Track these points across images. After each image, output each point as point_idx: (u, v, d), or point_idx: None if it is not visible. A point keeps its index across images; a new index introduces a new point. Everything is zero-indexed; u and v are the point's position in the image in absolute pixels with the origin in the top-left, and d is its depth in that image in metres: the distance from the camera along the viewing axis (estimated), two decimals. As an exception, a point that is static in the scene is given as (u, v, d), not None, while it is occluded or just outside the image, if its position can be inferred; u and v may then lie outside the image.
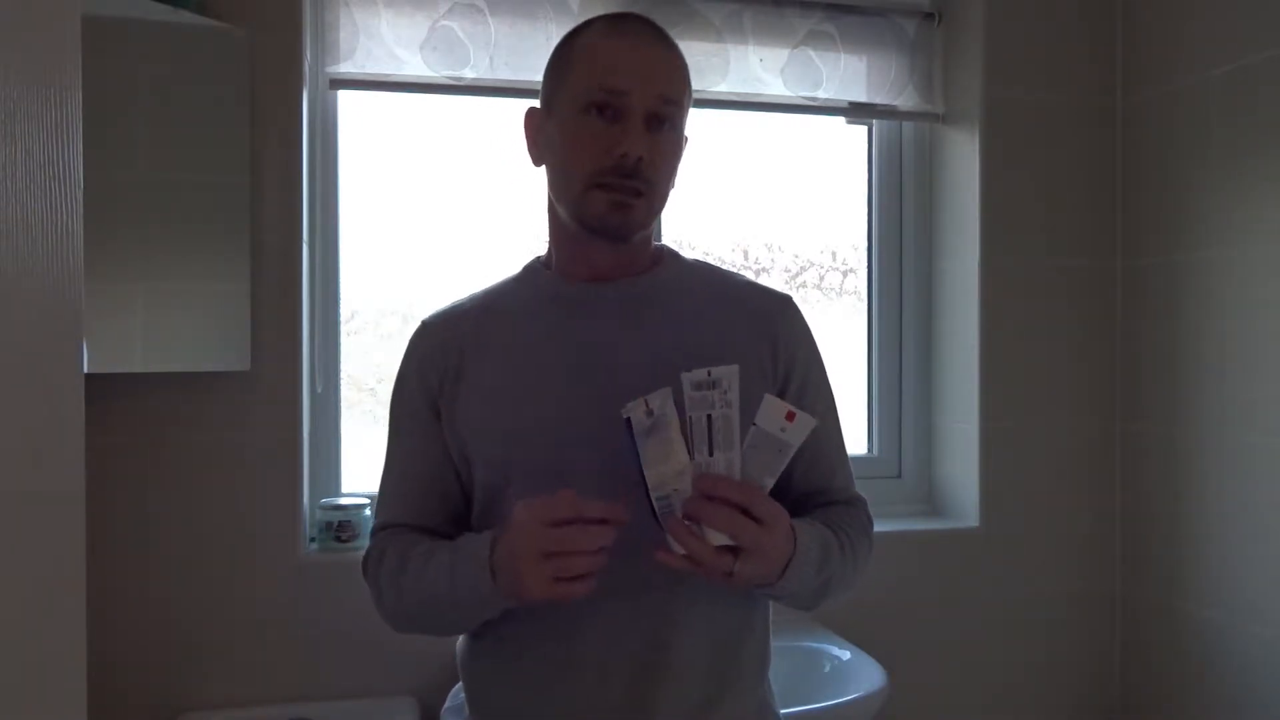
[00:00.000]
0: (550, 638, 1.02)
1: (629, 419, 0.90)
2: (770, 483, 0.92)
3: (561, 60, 1.05)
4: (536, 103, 1.09)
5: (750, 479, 0.91)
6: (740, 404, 0.90)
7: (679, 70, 1.04)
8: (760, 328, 1.07)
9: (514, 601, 0.94)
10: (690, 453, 0.91)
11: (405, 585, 1.01)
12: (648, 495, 0.91)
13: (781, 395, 1.06)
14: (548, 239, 1.12)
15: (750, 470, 0.91)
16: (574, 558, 0.88)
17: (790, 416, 0.90)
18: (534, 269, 1.13)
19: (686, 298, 1.08)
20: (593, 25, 1.04)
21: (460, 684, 1.15)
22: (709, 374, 0.90)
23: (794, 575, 0.95)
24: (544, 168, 1.08)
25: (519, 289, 1.12)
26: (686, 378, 0.90)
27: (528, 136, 1.09)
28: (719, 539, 0.89)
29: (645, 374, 0.96)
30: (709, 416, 0.90)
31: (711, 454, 0.90)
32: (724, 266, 1.18)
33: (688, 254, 1.16)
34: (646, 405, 0.90)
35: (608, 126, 0.99)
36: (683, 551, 0.90)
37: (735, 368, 0.90)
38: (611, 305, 1.06)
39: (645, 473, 0.91)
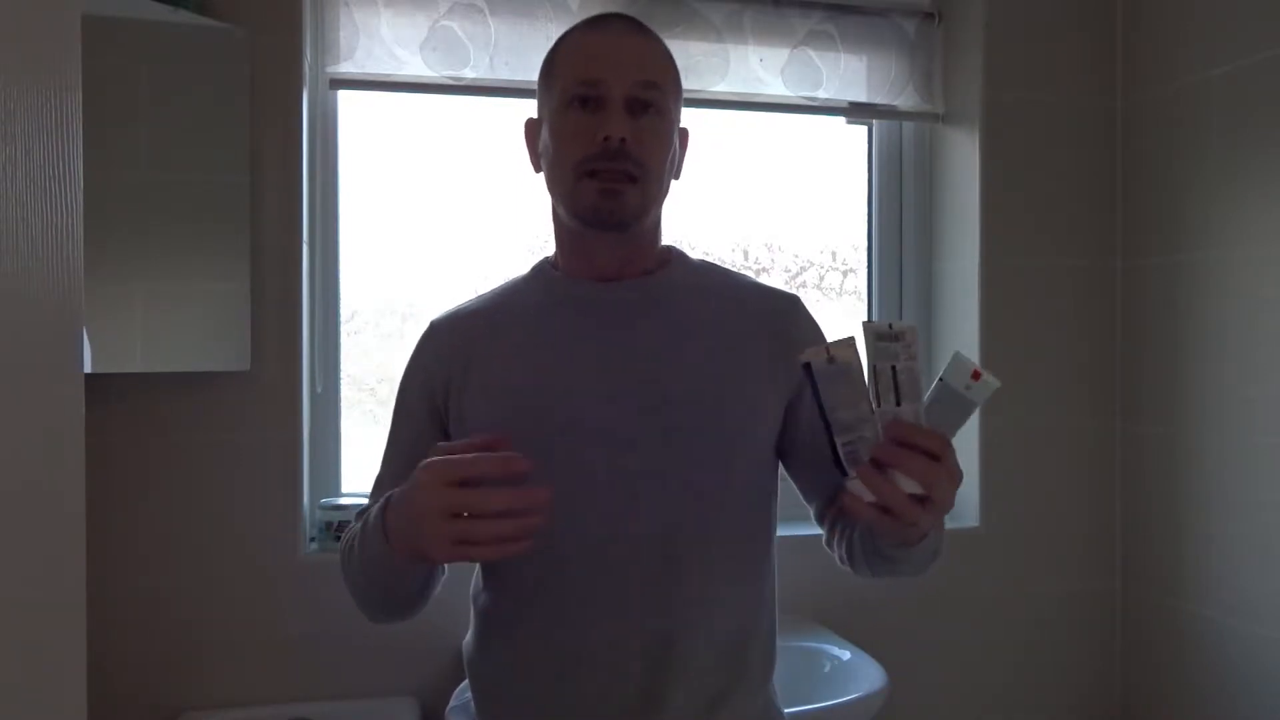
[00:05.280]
0: (559, 633, 1.02)
1: (809, 364, 0.87)
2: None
3: (547, 67, 1.08)
4: (534, 113, 1.11)
5: None
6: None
7: (657, 57, 1.04)
8: (770, 328, 1.08)
9: (416, 564, 0.94)
10: (876, 401, 0.88)
11: (352, 557, 1.03)
12: (830, 441, 0.88)
13: (793, 396, 1.06)
14: (554, 242, 1.13)
15: (933, 425, 0.88)
16: (478, 522, 0.85)
17: (976, 375, 0.88)
18: (543, 269, 1.14)
19: (696, 297, 1.09)
20: (572, 30, 1.07)
21: (466, 683, 1.16)
22: (890, 326, 0.87)
23: (933, 536, 0.96)
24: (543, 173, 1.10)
25: (528, 289, 1.13)
26: (869, 327, 0.87)
27: (528, 145, 1.11)
28: (911, 486, 0.86)
29: (655, 371, 0.96)
30: (893, 368, 0.87)
31: (899, 404, 0.87)
32: (730, 267, 1.19)
33: (690, 254, 1.16)
34: (828, 352, 0.87)
35: (589, 117, 1.00)
36: (871, 499, 0.87)
37: (914, 325, 0.88)
38: (622, 304, 1.07)
39: (830, 417, 0.87)
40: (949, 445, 0.88)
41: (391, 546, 0.93)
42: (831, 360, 0.86)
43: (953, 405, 0.89)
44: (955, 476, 0.88)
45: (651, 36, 1.05)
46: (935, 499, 0.87)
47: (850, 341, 0.87)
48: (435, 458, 0.88)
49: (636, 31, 1.04)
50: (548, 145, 1.05)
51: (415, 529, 0.89)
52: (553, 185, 1.06)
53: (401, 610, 1.06)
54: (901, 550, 0.97)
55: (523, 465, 0.86)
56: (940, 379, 0.89)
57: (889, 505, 0.86)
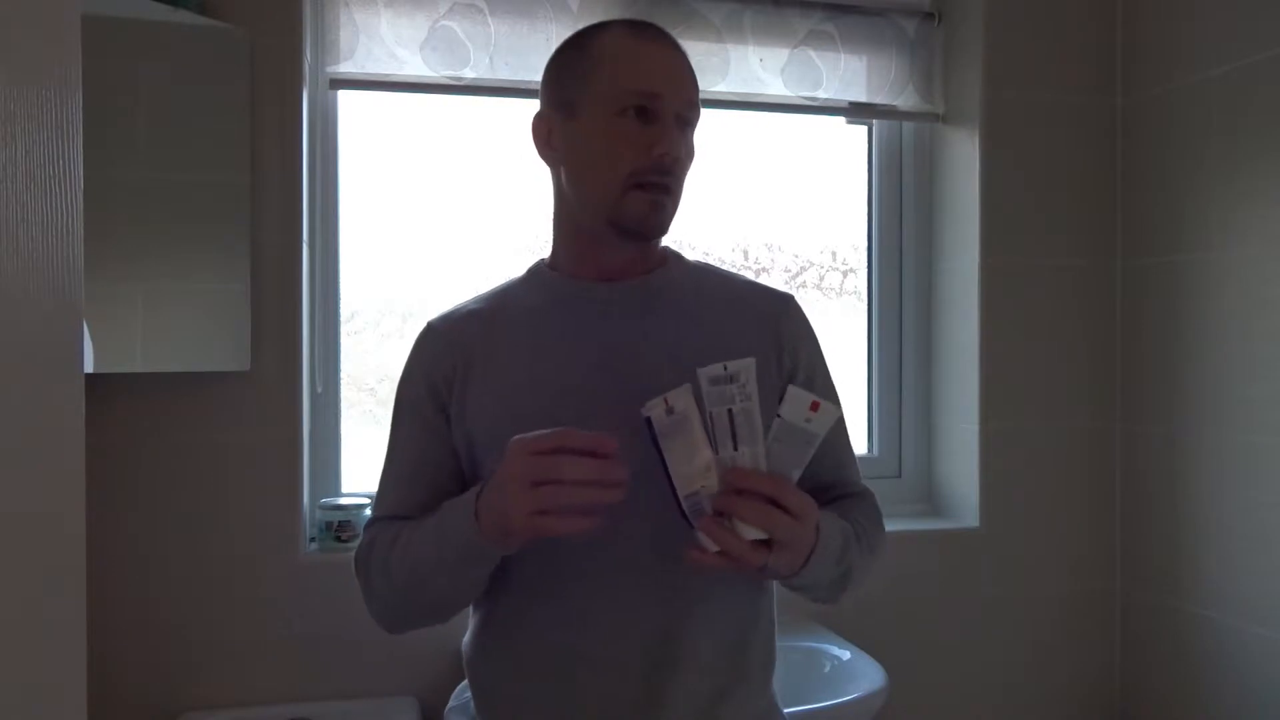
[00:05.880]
0: (559, 632, 1.02)
1: (649, 418, 0.89)
2: (797, 474, 0.92)
3: (581, 63, 1.04)
4: (538, 106, 1.09)
5: (777, 471, 0.90)
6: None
7: (692, 75, 1.07)
8: (765, 327, 1.09)
9: (499, 545, 0.94)
10: (714, 448, 0.89)
11: (394, 560, 1.02)
12: (674, 495, 0.90)
13: None
14: (551, 240, 1.12)
15: (776, 463, 0.90)
16: (559, 488, 0.87)
17: (815, 407, 0.90)
18: (539, 270, 1.14)
19: (693, 297, 1.10)
20: (611, 29, 1.06)
21: (465, 682, 1.16)
22: (725, 368, 0.89)
23: (816, 565, 0.96)
24: (554, 171, 1.08)
25: (526, 289, 1.13)
26: (703, 373, 0.89)
27: (539, 142, 1.08)
28: (752, 533, 0.89)
29: (658, 371, 0.96)
30: (729, 411, 0.89)
31: (736, 448, 0.89)
32: (725, 267, 1.20)
33: (688, 254, 1.17)
34: (666, 404, 0.89)
35: (644, 127, 1.01)
36: (715, 549, 0.90)
37: (751, 360, 0.89)
38: (622, 304, 1.07)
39: (671, 473, 0.90)
40: (786, 485, 0.90)
41: (480, 527, 0.93)
42: (671, 411, 0.88)
43: (795, 440, 0.90)
44: (800, 514, 0.90)
45: (684, 52, 1.08)
46: (779, 540, 0.89)
47: (688, 390, 0.89)
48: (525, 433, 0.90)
49: (677, 47, 1.07)
50: (582, 146, 1.03)
51: (500, 501, 0.90)
52: (587, 187, 1.04)
53: (446, 611, 1.06)
54: (783, 582, 0.99)
55: (609, 444, 0.88)
56: (778, 415, 0.90)
57: (732, 554, 0.89)
